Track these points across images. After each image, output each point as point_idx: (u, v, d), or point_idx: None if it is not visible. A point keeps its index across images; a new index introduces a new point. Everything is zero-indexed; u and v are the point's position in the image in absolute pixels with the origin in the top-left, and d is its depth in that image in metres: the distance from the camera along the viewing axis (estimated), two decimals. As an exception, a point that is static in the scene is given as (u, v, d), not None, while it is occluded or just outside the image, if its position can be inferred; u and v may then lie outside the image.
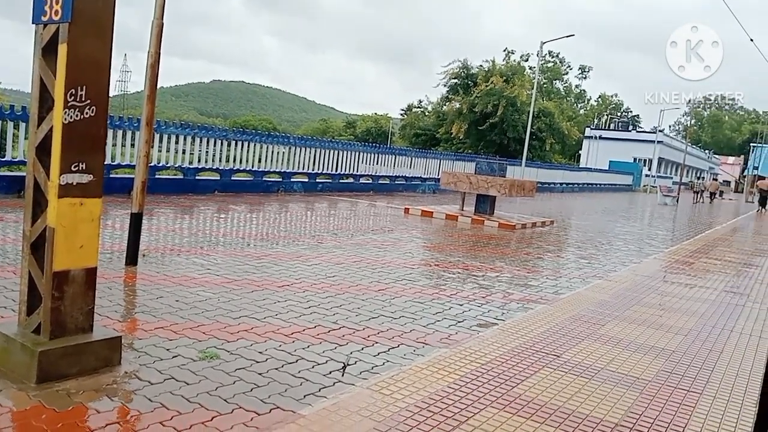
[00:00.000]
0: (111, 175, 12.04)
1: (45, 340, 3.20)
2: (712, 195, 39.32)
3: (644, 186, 51.18)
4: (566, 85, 76.34)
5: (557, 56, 71.89)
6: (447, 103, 49.70)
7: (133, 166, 7.09)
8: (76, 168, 3.22)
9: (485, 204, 14.10)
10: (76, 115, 3.19)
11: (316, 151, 18.21)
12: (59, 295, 3.23)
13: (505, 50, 56.89)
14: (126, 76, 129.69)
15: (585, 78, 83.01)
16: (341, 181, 19.18)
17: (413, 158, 23.41)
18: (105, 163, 9.63)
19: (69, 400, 2.96)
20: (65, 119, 3.16)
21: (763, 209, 29.60)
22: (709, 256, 10.67)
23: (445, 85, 49.38)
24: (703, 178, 56.47)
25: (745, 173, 66.21)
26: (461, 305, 5.66)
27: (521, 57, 57.45)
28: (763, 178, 39.35)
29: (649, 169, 57.21)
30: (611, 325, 5.15)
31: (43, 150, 3.29)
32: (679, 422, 3.26)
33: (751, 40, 20.57)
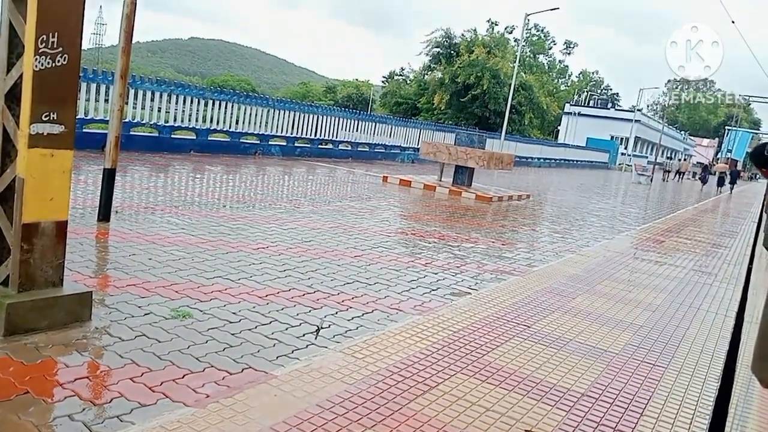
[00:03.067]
0: (84, 130, 11.76)
1: (13, 293, 3.14)
2: (682, 174, 42.01)
3: (620, 164, 51.77)
4: (550, 59, 76.09)
5: (542, 30, 71.51)
6: (429, 73, 49.34)
7: (107, 121, 6.91)
8: (47, 118, 3.12)
9: (463, 175, 14.13)
10: (48, 63, 3.08)
11: (295, 114, 17.99)
12: (28, 248, 3.15)
13: (489, 21, 56.31)
14: (101, 29, 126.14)
15: (569, 54, 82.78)
16: (320, 146, 19.02)
17: (393, 126, 23.28)
18: (78, 117, 9.41)
19: (37, 353, 2.92)
20: (36, 66, 3.04)
21: (720, 189, 33.02)
22: (679, 235, 10.87)
23: (427, 54, 48.93)
24: (669, 158, 58.12)
25: (719, 156, 67.33)
26: (436, 274, 5.70)
27: (506, 29, 57.02)
28: (736, 161, 41.17)
29: (626, 148, 57.80)
30: (581, 299, 5.23)
31: (12, 98, 3.18)
32: (644, 394, 3.34)
33: (733, 22, 20.71)
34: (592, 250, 8.07)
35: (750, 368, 0.98)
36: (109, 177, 5.84)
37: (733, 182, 33.66)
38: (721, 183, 34.20)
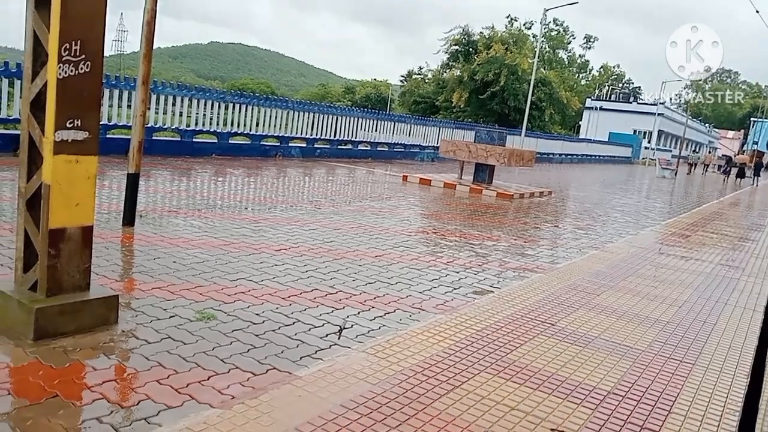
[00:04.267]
0: (107, 136, 11.94)
1: (42, 298, 3.20)
2: (706, 167, 42.20)
3: (643, 158, 51.08)
4: (570, 54, 75.35)
5: (561, 24, 70.85)
6: (447, 71, 49.17)
7: (130, 127, 7.01)
8: (72, 124, 3.17)
9: (484, 173, 14.06)
10: (71, 70, 3.13)
11: (314, 116, 18.06)
12: (55, 253, 3.21)
13: (508, 17, 56.10)
14: (122, 35, 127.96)
15: (590, 48, 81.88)
16: (339, 147, 19.06)
17: (412, 125, 23.24)
18: (101, 123, 9.57)
19: (66, 357, 2.97)
20: (60, 74, 3.09)
21: (740, 180, 32.90)
22: (705, 229, 10.70)
23: (446, 52, 48.74)
24: (695, 151, 57.58)
25: (745, 148, 66.05)
26: (458, 272, 5.68)
27: (524, 24, 56.65)
28: (762, 153, 40.71)
29: (649, 142, 57.00)
30: (606, 295, 5.17)
31: (37, 106, 3.23)
32: (671, 391, 3.29)
33: (757, 11, 20.33)
34: (616, 246, 7.97)
35: None
36: (132, 182, 5.92)
37: (756, 174, 33.43)
38: (741, 175, 33.74)
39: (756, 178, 33.29)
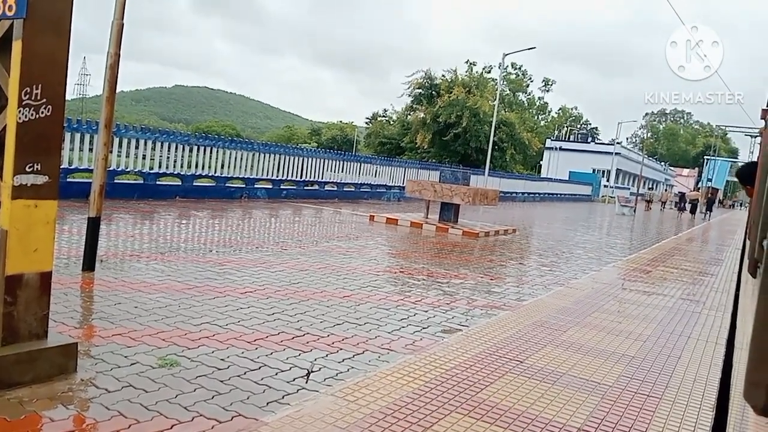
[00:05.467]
0: (68, 180, 11.73)
1: (-4, 347, 3.07)
2: (663, 203, 44.07)
3: (603, 196, 52.39)
4: (529, 96, 77.52)
5: (520, 68, 73.04)
6: (411, 113, 50.00)
7: (91, 171, 6.91)
8: (31, 169, 3.11)
9: (449, 212, 14.20)
10: (31, 114, 3.09)
11: (280, 157, 18.10)
12: (12, 300, 3.10)
13: (467, 61, 57.44)
14: (85, 79, 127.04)
15: (548, 91, 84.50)
16: (306, 188, 19.08)
17: (378, 166, 23.46)
18: (62, 166, 9.39)
19: (22, 408, 2.85)
20: (19, 118, 3.05)
21: (693, 215, 34.84)
22: (665, 264, 10.94)
23: (409, 95, 49.68)
24: (650, 189, 59.76)
25: (700, 185, 68.38)
26: (426, 312, 5.67)
27: (484, 69, 58.12)
28: (717, 189, 42.75)
29: (608, 180, 58.59)
30: (572, 331, 5.22)
31: (-5, 149, 3.17)
32: (640, 426, 3.31)
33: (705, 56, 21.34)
34: (581, 282, 8.08)
35: (742, 395, 0.98)
36: (93, 226, 5.80)
37: (709, 209, 35.38)
38: (693, 210, 35.38)
39: (708, 213, 34.91)
